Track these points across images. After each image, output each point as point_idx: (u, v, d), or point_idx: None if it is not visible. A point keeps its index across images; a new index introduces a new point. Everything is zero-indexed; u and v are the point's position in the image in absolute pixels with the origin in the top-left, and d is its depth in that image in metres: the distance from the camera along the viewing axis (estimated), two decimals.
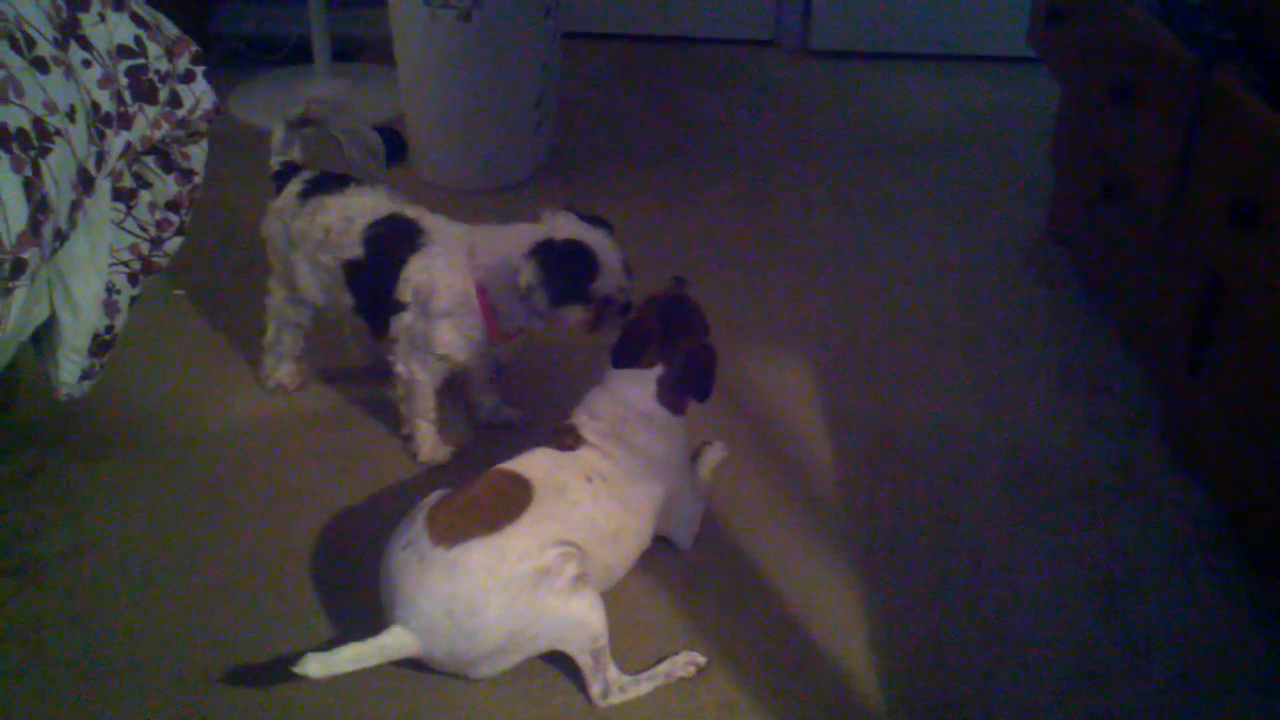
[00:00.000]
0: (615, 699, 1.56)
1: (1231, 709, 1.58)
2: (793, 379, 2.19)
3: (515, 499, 1.58)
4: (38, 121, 1.44)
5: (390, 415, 2.02)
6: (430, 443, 1.98)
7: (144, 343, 2.15)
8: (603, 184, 2.87)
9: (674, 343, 1.74)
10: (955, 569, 1.79)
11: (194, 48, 1.79)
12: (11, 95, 1.42)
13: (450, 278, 1.86)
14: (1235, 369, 1.80)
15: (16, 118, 1.41)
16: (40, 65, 1.48)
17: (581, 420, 1.73)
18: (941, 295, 2.47)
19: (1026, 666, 1.63)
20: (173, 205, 1.88)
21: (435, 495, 1.63)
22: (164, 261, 1.93)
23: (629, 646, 1.62)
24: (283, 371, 2.12)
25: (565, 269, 1.80)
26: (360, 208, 1.93)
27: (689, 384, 1.75)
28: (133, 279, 1.85)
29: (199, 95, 1.79)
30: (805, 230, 2.72)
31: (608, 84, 3.43)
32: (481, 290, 1.86)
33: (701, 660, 1.62)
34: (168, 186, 1.86)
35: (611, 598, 1.65)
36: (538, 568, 1.52)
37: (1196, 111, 1.81)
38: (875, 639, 1.66)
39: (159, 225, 1.88)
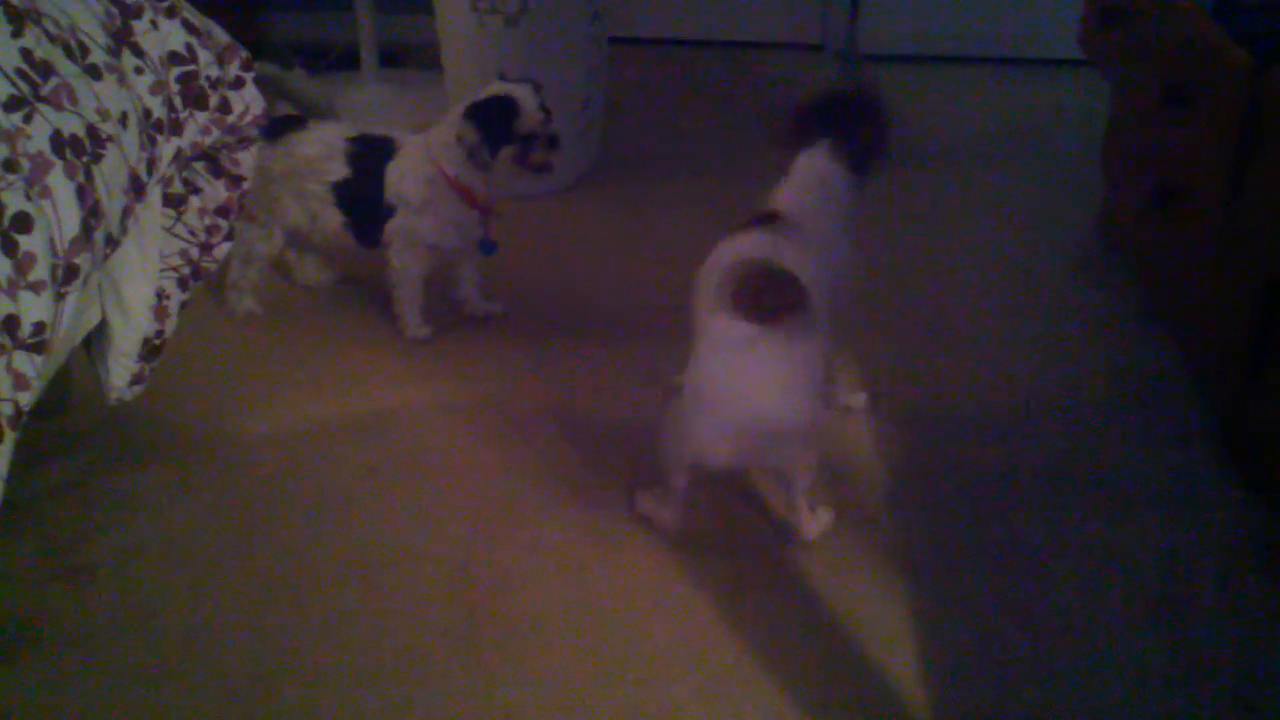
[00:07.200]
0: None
1: None
2: (841, 384, 2.17)
3: None
4: (91, 128, 1.45)
5: (439, 421, 2.05)
6: (415, 323, 2.32)
7: (193, 348, 2.17)
8: (650, 188, 2.86)
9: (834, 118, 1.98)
10: (1004, 577, 1.76)
11: (244, 54, 1.81)
12: (66, 102, 1.43)
13: (418, 170, 2.19)
14: None
15: (70, 124, 1.43)
16: (93, 72, 1.50)
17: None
18: (992, 300, 2.44)
19: (1077, 680, 1.60)
20: (222, 210, 1.90)
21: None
22: (213, 266, 1.95)
23: (671, 654, 1.62)
24: (249, 301, 2.39)
25: (492, 118, 2.15)
26: (335, 135, 2.24)
27: (867, 131, 1.94)
28: (182, 284, 1.86)
29: (248, 101, 1.81)
30: None
31: (655, 89, 3.42)
32: (447, 175, 2.19)
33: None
34: (217, 192, 1.88)
35: (659, 603, 1.65)
36: None
37: (1252, 113, 1.78)
38: (923, 649, 1.64)
39: (208, 230, 1.89)
